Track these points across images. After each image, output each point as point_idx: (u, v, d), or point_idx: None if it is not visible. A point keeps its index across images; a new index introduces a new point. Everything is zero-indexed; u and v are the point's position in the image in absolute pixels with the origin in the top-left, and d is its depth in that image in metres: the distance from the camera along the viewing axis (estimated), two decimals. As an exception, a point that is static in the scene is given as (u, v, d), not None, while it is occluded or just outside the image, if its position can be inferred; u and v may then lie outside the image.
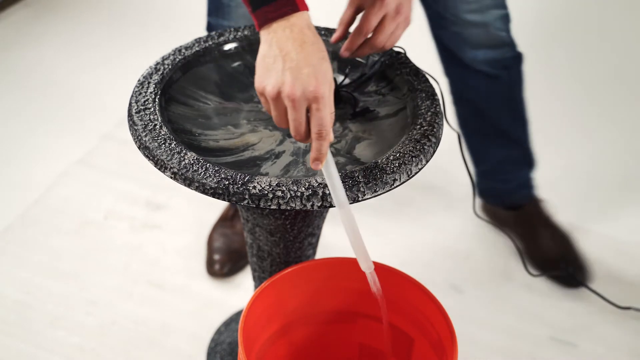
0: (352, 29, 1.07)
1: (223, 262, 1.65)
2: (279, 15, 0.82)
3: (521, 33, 1.61)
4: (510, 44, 1.49)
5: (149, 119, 0.99)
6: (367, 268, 1.00)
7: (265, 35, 0.83)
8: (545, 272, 1.66)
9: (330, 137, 0.84)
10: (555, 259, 1.67)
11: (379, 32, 1.03)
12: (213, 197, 0.90)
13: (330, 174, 0.87)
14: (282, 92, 0.81)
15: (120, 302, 1.60)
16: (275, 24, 0.82)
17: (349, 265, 1.15)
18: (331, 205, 0.89)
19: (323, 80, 0.81)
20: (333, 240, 1.76)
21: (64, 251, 1.71)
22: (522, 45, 1.54)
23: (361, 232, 0.96)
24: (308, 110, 0.83)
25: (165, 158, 0.93)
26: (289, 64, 0.80)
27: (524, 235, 1.71)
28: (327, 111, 0.81)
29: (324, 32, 1.19)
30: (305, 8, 0.83)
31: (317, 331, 1.21)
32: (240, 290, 1.64)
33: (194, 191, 0.91)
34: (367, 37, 1.04)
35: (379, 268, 1.14)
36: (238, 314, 1.54)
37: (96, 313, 1.57)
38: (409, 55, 1.15)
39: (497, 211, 1.77)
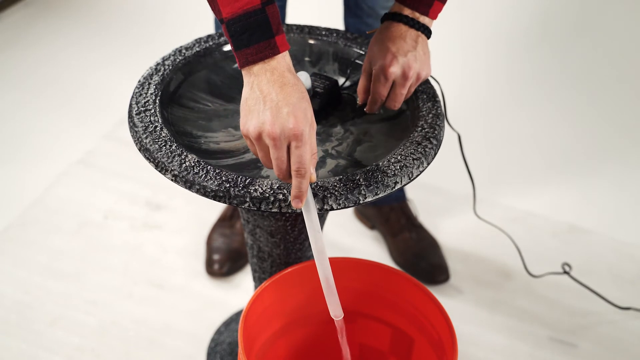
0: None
1: (222, 261, 1.65)
2: (259, 58, 0.84)
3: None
4: None
5: (150, 121, 0.98)
6: (336, 315, 0.99)
7: (247, 77, 0.86)
8: (405, 268, 1.68)
9: (312, 176, 0.86)
10: (416, 254, 1.69)
11: (392, 99, 1.05)
12: (214, 200, 0.89)
13: (310, 216, 0.88)
14: (263, 132, 0.83)
15: (120, 302, 1.60)
16: (256, 67, 0.85)
17: (349, 265, 1.15)
18: (332, 208, 0.89)
19: (302, 118, 0.82)
20: (333, 240, 1.77)
21: (63, 251, 1.71)
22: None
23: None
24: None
25: (166, 160, 0.92)
26: (269, 104, 0.83)
27: (388, 231, 1.74)
28: (306, 149, 0.83)
29: (325, 32, 1.19)
30: (286, 48, 0.85)
31: (317, 331, 1.21)
32: (240, 290, 1.64)
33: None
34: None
35: (380, 268, 1.15)
36: (238, 314, 1.54)
37: (96, 313, 1.57)
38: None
39: (366, 210, 1.79)
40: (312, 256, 1.23)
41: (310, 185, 0.87)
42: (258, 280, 1.27)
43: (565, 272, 1.63)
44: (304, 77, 1.03)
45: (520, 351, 1.54)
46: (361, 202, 0.90)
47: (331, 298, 0.97)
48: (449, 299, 1.63)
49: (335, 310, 0.99)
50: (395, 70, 1.01)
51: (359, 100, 1.09)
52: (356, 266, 1.15)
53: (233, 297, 1.62)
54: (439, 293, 1.64)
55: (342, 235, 1.78)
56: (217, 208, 1.81)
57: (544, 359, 1.53)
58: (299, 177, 0.83)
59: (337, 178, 0.91)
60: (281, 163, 0.84)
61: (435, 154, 0.98)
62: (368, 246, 1.76)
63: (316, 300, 1.15)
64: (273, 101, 0.83)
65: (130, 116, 1.00)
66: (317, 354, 1.24)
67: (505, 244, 1.67)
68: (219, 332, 1.51)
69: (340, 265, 1.14)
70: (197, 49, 1.13)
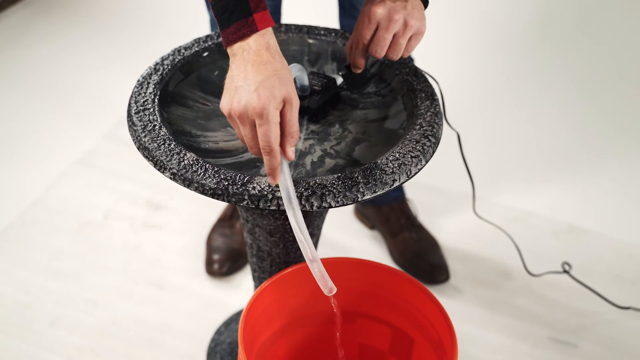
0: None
1: (222, 261, 1.65)
2: (238, 37, 0.86)
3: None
4: None
5: (149, 120, 0.99)
6: (328, 291, 0.97)
7: (230, 56, 0.88)
8: (405, 268, 1.68)
9: (289, 154, 0.86)
10: (416, 254, 1.68)
11: (374, 42, 1.03)
12: (212, 197, 0.90)
13: (289, 195, 0.87)
14: (231, 110, 0.85)
15: (120, 302, 1.60)
16: (236, 46, 0.87)
17: (349, 265, 1.15)
18: (330, 206, 0.89)
19: (267, 96, 0.83)
20: (333, 240, 1.76)
21: (63, 251, 1.71)
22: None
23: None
24: None
25: (165, 159, 0.93)
26: (239, 83, 0.85)
27: (388, 231, 1.73)
28: (269, 127, 0.83)
29: (323, 32, 1.19)
30: (266, 25, 0.86)
31: (317, 331, 1.21)
32: (240, 290, 1.64)
33: (193, 192, 0.92)
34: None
35: (380, 268, 1.14)
36: (238, 314, 1.54)
37: (96, 313, 1.57)
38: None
39: (365, 210, 1.79)
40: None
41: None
42: (258, 279, 1.27)
43: (565, 272, 1.63)
44: (296, 70, 1.02)
45: (520, 351, 1.54)
46: (359, 199, 0.90)
47: (319, 275, 0.95)
48: (449, 299, 1.63)
49: (327, 286, 0.96)
50: (380, 11, 1.00)
51: (348, 59, 1.09)
52: (356, 266, 1.15)
53: (233, 297, 1.62)
54: (439, 293, 1.64)
55: (342, 235, 1.78)
56: (217, 208, 1.81)
57: (544, 359, 1.53)
58: (266, 155, 0.85)
59: (336, 176, 0.91)
60: (249, 140, 0.86)
61: (434, 151, 0.98)
62: (368, 246, 1.76)
63: (316, 300, 1.15)
64: (243, 80, 0.84)
65: (129, 115, 1.00)
66: (317, 354, 1.24)
67: (505, 243, 1.67)
68: (219, 332, 1.51)
69: (340, 265, 1.14)
70: (196, 49, 1.13)
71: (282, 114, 0.85)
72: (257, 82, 0.83)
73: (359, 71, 1.09)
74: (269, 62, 0.85)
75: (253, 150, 0.87)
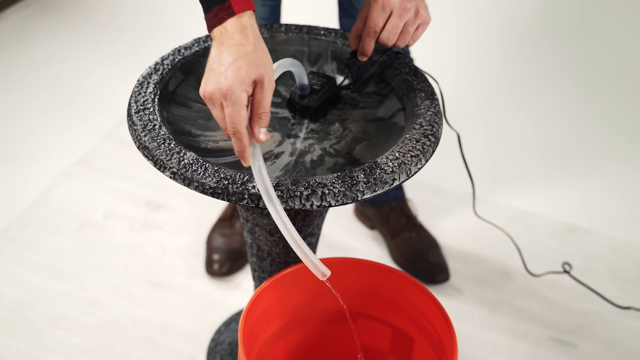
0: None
1: (222, 261, 1.65)
2: (217, 21, 0.88)
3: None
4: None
5: (149, 119, 0.99)
6: (321, 276, 0.96)
7: (212, 41, 0.89)
8: (405, 268, 1.68)
9: (259, 136, 0.86)
10: (416, 254, 1.68)
11: (387, 30, 1.05)
12: (212, 196, 0.90)
13: (261, 176, 0.87)
14: (204, 92, 0.87)
15: (120, 302, 1.60)
16: (215, 30, 0.88)
17: (349, 265, 1.15)
18: (330, 205, 0.89)
19: (233, 77, 0.84)
20: (333, 240, 1.76)
21: (63, 251, 1.71)
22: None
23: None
24: None
25: (165, 158, 0.93)
26: (213, 66, 0.86)
27: (388, 231, 1.73)
28: (235, 108, 0.84)
29: (323, 32, 1.19)
30: (244, 9, 0.87)
31: (317, 331, 1.21)
32: (240, 290, 1.64)
33: (193, 191, 0.92)
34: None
35: (380, 268, 1.14)
36: (238, 314, 1.54)
37: (96, 313, 1.57)
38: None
39: (365, 210, 1.79)
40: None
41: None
42: (258, 279, 1.27)
43: (566, 272, 1.63)
44: (288, 64, 1.01)
45: (520, 351, 1.54)
46: (359, 198, 0.90)
47: (305, 258, 0.93)
48: (449, 299, 1.63)
49: (318, 269, 0.95)
50: (410, 6, 1.02)
51: (352, 47, 1.10)
52: (356, 266, 1.15)
53: (233, 297, 1.62)
54: (439, 293, 1.64)
55: (342, 235, 1.78)
56: (217, 208, 1.81)
57: (544, 359, 1.53)
58: (232, 136, 0.86)
59: (336, 175, 0.91)
60: (220, 122, 0.87)
61: (434, 151, 0.98)
62: (368, 246, 1.76)
63: (316, 300, 1.15)
64: (217, 62, 0.86)
65: (129, 114, 1.01)
66: (317, 354, 1.24)
67: (505, 243, 1.67)
68: (219, 332, 1.51)
69: (340, 265, 1.13)
70: (196, 49, 1.13)
71: (252, 96, 0.86)
72: (227, 64, 0.84)
73: (366, 59, 1.09)
74: (241, 44, 0.86)
75: (225, 132, 0.88)
